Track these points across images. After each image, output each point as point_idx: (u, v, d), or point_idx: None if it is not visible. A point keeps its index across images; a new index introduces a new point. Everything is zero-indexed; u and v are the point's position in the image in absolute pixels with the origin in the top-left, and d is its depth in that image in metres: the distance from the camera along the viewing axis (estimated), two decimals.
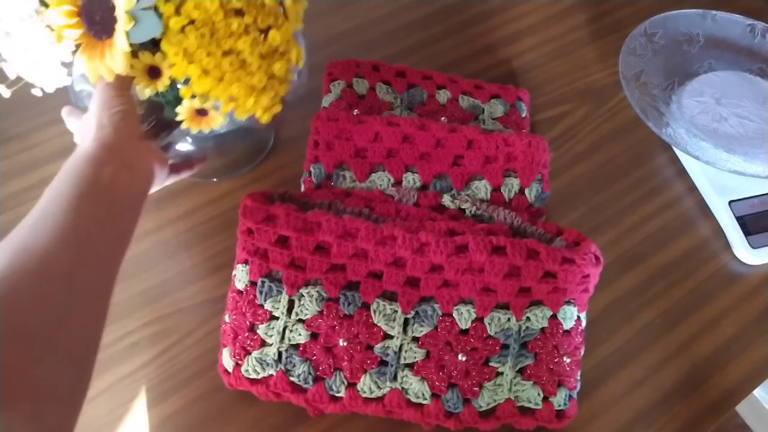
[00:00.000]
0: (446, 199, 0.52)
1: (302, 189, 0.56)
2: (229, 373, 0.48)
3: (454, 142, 0.54)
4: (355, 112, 0.60)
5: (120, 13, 0.37)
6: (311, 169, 0.55)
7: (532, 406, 0.47)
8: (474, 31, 0.77)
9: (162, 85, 0.40)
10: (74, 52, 0.39)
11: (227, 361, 0.48)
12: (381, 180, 0.54)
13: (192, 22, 0.39)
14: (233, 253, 0.53)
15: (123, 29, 0.37)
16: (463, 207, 0.52)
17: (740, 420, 1.14)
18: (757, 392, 1.07)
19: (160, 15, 0.38)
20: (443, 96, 0.63)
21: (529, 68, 0.73)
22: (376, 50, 0.73)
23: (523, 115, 0.63)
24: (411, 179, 0.54)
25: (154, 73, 0.40)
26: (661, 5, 0.77)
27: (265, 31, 0.41)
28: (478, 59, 0.74)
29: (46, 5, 0.38)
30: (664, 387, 0.53)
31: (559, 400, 0.47)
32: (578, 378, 0.49)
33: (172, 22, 0.38)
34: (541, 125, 0.68)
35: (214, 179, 0.60)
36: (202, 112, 0.44)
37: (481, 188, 0.54)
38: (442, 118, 0.61)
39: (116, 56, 0.38)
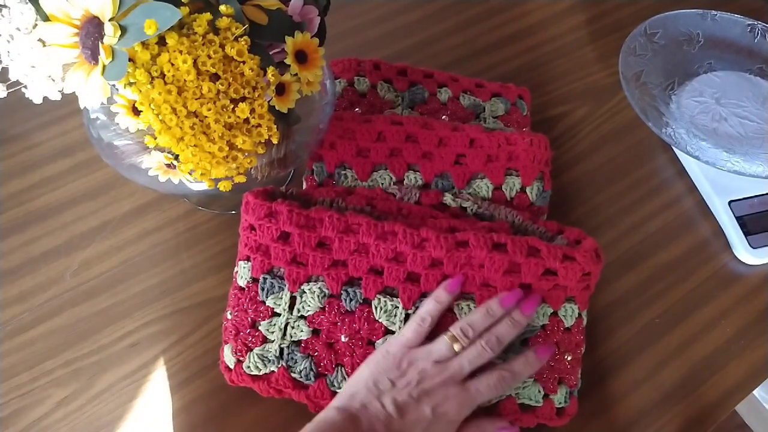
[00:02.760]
0: (448, 198, 0.52)
1: (304, 187, 0.56)
2: (230, 369, 0.48)
3: (456, 140, 0.54)
4: (357, 110, 0.60)
5: (101, 47, 0.36)
6: (313, 167, 0.55)
7: (533, 403, 0.47)
8: (474, 31, 0.77)
9: (145, 122, 0.40)
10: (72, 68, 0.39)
11: (229, 357, 0.48)
12: (383, 179, 0.54)
13: (162, 75, 0.37)
14: (233, 253, 0.53)
15: (101, 62, 0.36)
16: (464, 205, 0.52)
17: (740, 420, 1.14)
18: (757, 392, 1.07)
19: (131, 60, 0.37)
20: (444, 94, 0.63)
21: (529, 68, 0.73)
22: (376, 50, 0.73)
23: (524, 114, 0.63)
24: (412, 178, 0.54)
25: (137, 110, 0.39)
26: (661, 5, 0.77)
27: (238, 101, 0.39)
28: (478, 59, 0.74)
29: (47, 19, 0.38)
30: (664, 387, 0.53)
31: (559, 397, 0.47)
32: (579, 376, 0.49)
33: (138, 73, 0.37)
34: (541, 125, 0.68)
35: (233, 212, 0.60)
36: (170, 165, 0.44)
37: (483, 187, 0.54)
38: (444, 117, 0.61)
39: (93, 85, 0.37)
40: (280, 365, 0.47)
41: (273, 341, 0.47)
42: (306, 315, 0.47)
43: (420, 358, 0.44)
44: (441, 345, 0.45)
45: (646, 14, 0.74)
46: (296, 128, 0.49)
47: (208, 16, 0.38)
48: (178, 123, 0.38)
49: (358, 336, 0.47)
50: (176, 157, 0.41)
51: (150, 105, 0.38)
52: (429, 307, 0.46)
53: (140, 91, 0.38)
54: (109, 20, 0.36)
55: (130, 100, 0.40)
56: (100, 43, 0.36)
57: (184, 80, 0.37)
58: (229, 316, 0.49)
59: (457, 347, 0.45)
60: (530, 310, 0.46)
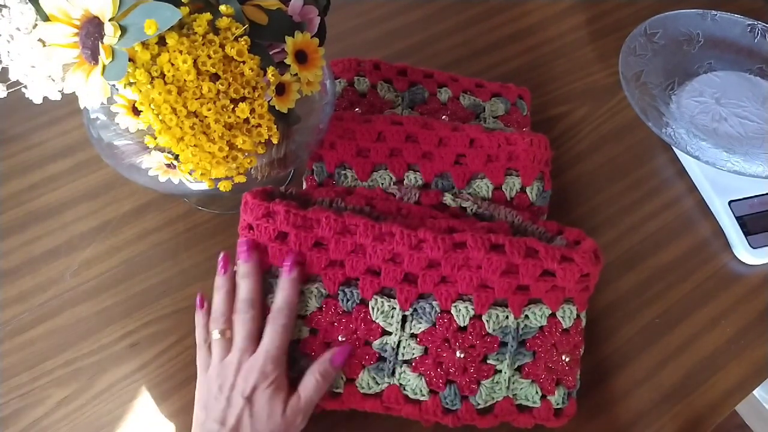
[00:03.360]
0: (447, 198, 0.52)
1: (304, 187, 0.56)
2: None
3: (456, 140, 0.54)
4: (357, 110, 0.60)
5: (101, 47, 0.36)
6: (313, 167, 0.55)
7: (530, 404, 0.47)
8: (474, 31, 0.77)
9: (145, 122, 0.40)
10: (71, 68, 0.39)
11: None
12: (382, 179, 0.54)
13: (162, 75, 0.37)
14: (233, 253, 0.53)
15: (101, 62, 0.36)
16: (464, 205, 0.52)
17: (740, 420, 1.14)
18: (757, 392, 1.07)
19: (131, 60, 0.37)
20: (444, 94, 0.63)
21: (529, 68, 0.73)
22: (376, 50, 0.73)
23: (524, 114, 0.63)
24: (412, 178, 0.54)
25: (137, 110, 0.39)
26: (661, 5, 0.77)
27: (238, 101, 0.39)
28: (478, 59, 0.74)
29: (47, 19, 0.38)
30: (664, 387, 0.53)
31: (557, 398, 0.47)
32: (577, 377, 0.49)
33: (138, 73, 0.37)
34: (541, 125, 0.68)
35: (233, 212, 0.59)
36: (170, 165, 0.44)
37: (483, 187, 0.54)
38: (444, 117, 0.61)
39: (93, 85, 0.37)
40: None
41: None
42: (304, 315, 0.47)
43: (212, 370, 0.45)
44: (215, 347, 0.46)
45: (646, 14, 0.74)
46: (296, 128, 0.49)
47: (208, 16, 0.38)
48: (178, 123, 0.38)
49: (355, 336, 0.47)
50: (176, 157, 0.41)
51: (150, 105, 0.38)
52: (197, 332, 0.48)
53: (140, 91, 0.38)
54: (109, 20, 0.36)
55: (130, 100, 0.40)
56: (100, 43, 0.36)
57: (184, 80, 0.37)
58: None
59: (228, 335, 0.46)
60: (245, 256, 0.47)
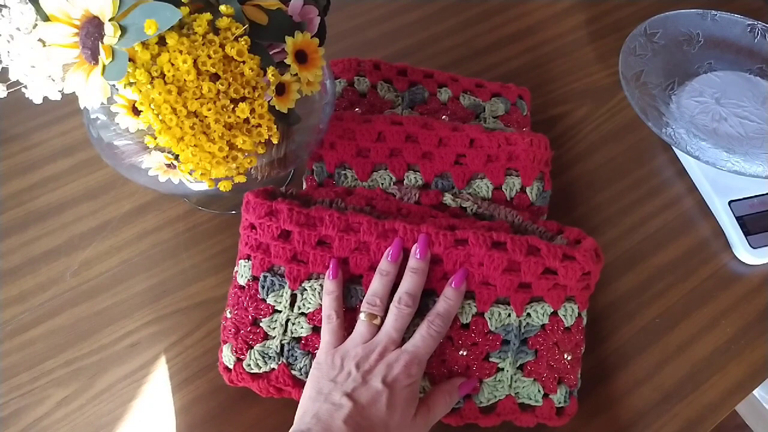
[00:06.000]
0: (447, 198, 0.52)
1: (304, 187, 0.56)
2: (229, 369, 0.48)
3: (456, 140, 0.54)
4: (357, 110, 0.60)
5: (101, 47, 0.36)
6: (313, 167, 0.55)
7: (532, 402, 0.47)
8: (474, 31, 0.77)
9: (145, 122, 0.39)
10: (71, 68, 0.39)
11: (228, 357, 0.48)
12: (382, 179, 0.54)
13: (162, 75, 0.37)
14: (233, 253, 0.53)
15: (101, 62, 0.36)
16: (464, 205, 0.52)
17: (740, 420, 1.14)
18: (757, 392, 1.07)
19: (131, 60, 0.37)
20: (444, 94, 0.63)
21: (529, 68, 0.73)
22: (376, 50, 0.73)
23: (524, 114, 0.63)
24: (412, 178, 0.54)
25: (137, 110, 0.39)
26: (661, 5, 0.77)
27: (238, 101, 0.39)
28: (477, 59, 0.74)
29: (47, 19, 0.38)
30: (664, 387, 0.53)
31: (559, 397, 0.47)
32: (579, 376, 0.49)
33: (138, 73, 0.37)
34: (540, 125, 0.68)
35: (233, 212, 0.60)
36: (170, 165, 0.44)
37: (483, 187, 0.54)
38: (444, 117, 0.61)
39: (93, 85, 0.37)
40: (280, 362, 0.47)
41: (274, 337, 0.47)
42: (306, 312, 0.47)
43: (349, 349, 0.44)
44: (361, 327, 0.45)
45: (646, 14, 0.74)
46: (296, 128, 0.49)
47: (208, 16, 0.38)
48: (178, 123, 0.38)
49: None
50: (176, 157, 0.41)
51: (150, 105, 0.38)
52: (326, 303, 0.46)
53: (140, 91, 0.38)
54: (109, 20, 0.36)
55: (130, 100, 0.40)
56: (100, 43, 0.36)
57: (184, 80, 0.37)
58: (228, 315, 0.49)
59: (376, 321, 0.45)
60: (423, 253, 0.46)
